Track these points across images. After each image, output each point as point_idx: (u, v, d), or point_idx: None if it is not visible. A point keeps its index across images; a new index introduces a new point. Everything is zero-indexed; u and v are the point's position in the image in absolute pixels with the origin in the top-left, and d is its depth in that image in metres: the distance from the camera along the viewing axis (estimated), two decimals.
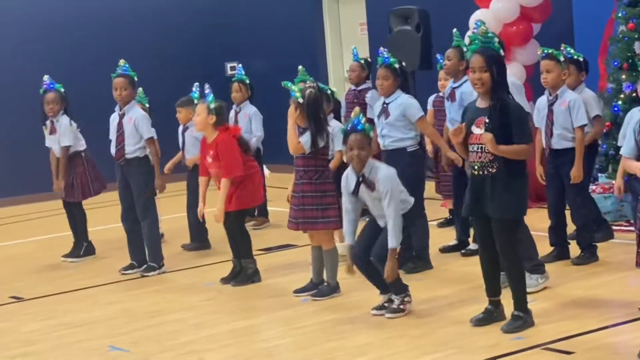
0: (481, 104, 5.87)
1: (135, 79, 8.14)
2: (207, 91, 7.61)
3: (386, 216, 6.20)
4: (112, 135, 8.15)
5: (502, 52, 5.99)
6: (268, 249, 8.75)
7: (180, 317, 6.87)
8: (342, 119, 8.71)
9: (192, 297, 7.37)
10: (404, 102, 7.39)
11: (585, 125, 7.39)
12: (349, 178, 6.40)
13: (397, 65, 7.43)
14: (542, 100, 7.51)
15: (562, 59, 7.39)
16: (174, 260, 8.57)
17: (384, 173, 6.28)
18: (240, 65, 10.07)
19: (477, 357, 5.51)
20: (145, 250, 8.23)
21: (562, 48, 7.68)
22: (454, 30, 7.77)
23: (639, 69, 8.56)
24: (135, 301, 7.44)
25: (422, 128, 7.44)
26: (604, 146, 8.81)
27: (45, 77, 8.83)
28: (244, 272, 7.62)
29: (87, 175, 8.84)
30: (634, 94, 8.23)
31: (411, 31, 10.43)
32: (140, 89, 8.93)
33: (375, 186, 6.25)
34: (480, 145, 5.79)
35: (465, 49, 7.42)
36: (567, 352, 5.48)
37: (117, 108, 8.18)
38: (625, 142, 5.42)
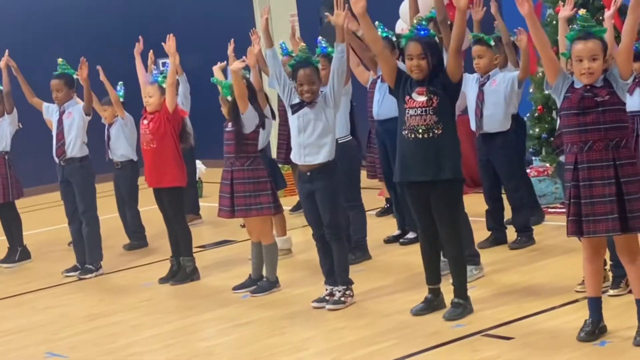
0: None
1: (75, 76, 7.96)
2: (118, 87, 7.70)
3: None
4: (53, 132, 8.03)
5: (436, 38, 6.01)
6: (203, 247, 8.68)
7: (119, 319, 6.78)
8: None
9: (130, 299, 7.28)
10: None
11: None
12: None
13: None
14: (471, 78, 7.52)
15: (492, 43, 7.44)
16: (112, 261, 8.45)
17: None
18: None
19: (419, 346, 5.52)
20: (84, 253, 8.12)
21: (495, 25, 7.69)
22: None
23: None
24: (73, 305, 7.32)
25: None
26: (537, 130, 8.89)
27: None
28: (182, 271, 7.55)
29: (8, 179, 8.65)
30: None
31: None
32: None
33: (317, 101, 6.29)
34: (423, 109, 5.78)
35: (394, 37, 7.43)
36: (507, 337, 5.52)
37: (55, 107, 8.07)
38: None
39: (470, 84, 7.55)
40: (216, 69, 7.44)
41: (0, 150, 8.69)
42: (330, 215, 6.35)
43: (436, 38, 5.99)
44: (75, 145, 7.93)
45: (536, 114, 8.90)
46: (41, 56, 11.40)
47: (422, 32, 5.92)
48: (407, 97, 5.84)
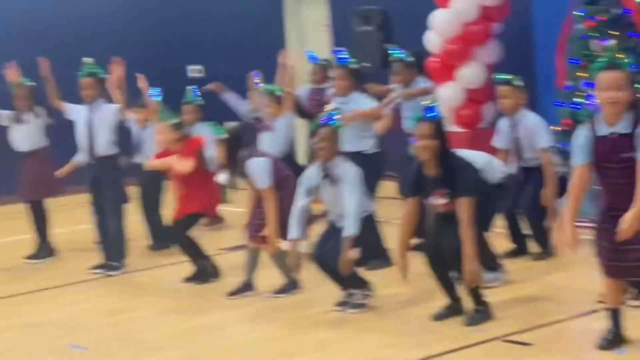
0: (430, 171, 5.90)
1: (103, 76, 8.05)
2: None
3: (346, 205, 6.21)
4: (81, 132, 8.09)
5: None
6: (226, 249, 8.73)
7: (141, 315, 6.84)
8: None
9: (153, 297, 7.34)
10: (361, 103, 7.42)
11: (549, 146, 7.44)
12: (311, 174, 6.41)
13: (355, 66, 7.45)
14: (504, 123, 7.57)
15: (518, 84, 7.45)
16: (136, 260, 8.52)
17: (349, 166, 6.33)
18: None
19: (437, 349, 5.54)
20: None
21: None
22: None
23: None
24: (97, 301, 7.40)
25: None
26: (563, 143, 8.87)
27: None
28: (203, 271, 7.60)
29: (45, 175, 8.77)
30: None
31: (372, 32, 10.47)
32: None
33: (339, 179, 6.26)
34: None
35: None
36: (526, 343, 5.52)
37: (83, 106, 8.13)
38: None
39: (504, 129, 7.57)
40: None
41: (37, 147, 8.80)
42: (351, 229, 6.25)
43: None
44: (105, 143, 8.01)
45: (564, 129, 8.89)
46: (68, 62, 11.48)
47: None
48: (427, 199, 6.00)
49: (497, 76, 7.65)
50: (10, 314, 7.21)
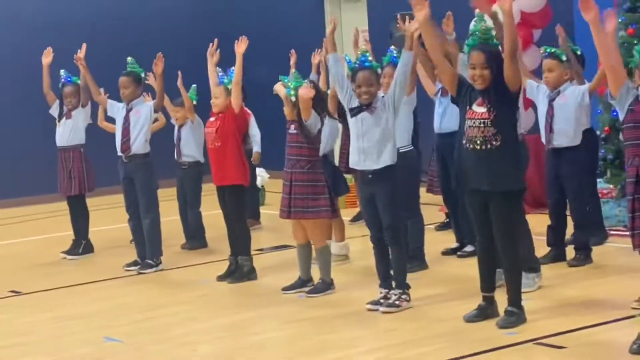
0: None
1: (143, 75, 8.20)
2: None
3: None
4: (117, 129, 8.23)
5: (501, 48, 6.01)
6: (261, 249, 8.78)
7: (174, 311, 6.90)
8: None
9: (187, 293, 7.40)
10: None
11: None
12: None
13: None
14: (542, 93, 7.52)
15: (564, 58, 7.41)
16: (172, 258, 8.60)
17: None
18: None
19: (468, 350, 5.52)
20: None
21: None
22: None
23: None
24: (132, 296, 7.47)
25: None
26: (603, 151, 8.82)
27: (62, 72, 8.96)
28: (240, 270, 7.65)
29: (84, 172, 8.93)
30: None
31: None
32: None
33: (376, 108, 6.35)
34: (482, 120, 5.80)
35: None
36: (559, 346, 5.49)
37: (122, 104, 8.29)
38: None
39: (540, 98, 7.55)
40: (278, 87, 7.43)
41: (76, 143, 8.96)
42: (389, 217, 6.40)
43: (499, 47, 6.01)
44: (139, 141, 8.12)
45: (603, 135, 8.84)
46: (111, 56, 11.61)
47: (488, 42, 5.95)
48: (468, 108, 5.89)
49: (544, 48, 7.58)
50: (47, 307, 7.31)
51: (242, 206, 7.66)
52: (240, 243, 7.65)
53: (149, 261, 8.23)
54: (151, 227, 8.18)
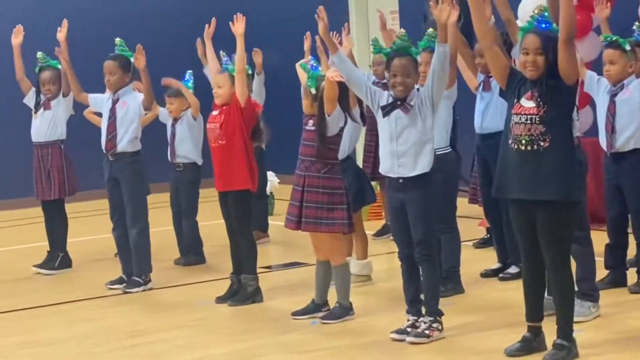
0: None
1: (131, 60, 8.18)
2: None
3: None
4: (103, 124, 8.26)
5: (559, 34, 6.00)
6: (269, 267, 8.83)
7: (165, 337, 6.93)
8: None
9: (181, 317, 7.43)
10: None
11: None
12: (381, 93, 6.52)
13: None
14: (602, 87, 7.52)
15: (628, 47, 7.39)
16: (164, 276, 8.64)
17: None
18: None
19: None
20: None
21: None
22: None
23: None
24: (115, 319, 7.50)
25: None
26: None
27: (39, 54, 8.99)
28: (243, 290, 7.67)
29: (64, 172, 8.99)
30: None
31: None
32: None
33: (412, 106, 6.36)
34: (530, 116, 5.81)
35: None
36: None
37: (106, 95, 8.31)
38: None
39: (600, 94, 7.55)
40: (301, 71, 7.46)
41: (55, 138, 9.01)
42: (422, 231, 6.41)
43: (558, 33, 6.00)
44: (127, 138, 8.14)
45: None
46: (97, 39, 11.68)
47: (543, 25, 5.94)
48: (515, 101, 5.90)
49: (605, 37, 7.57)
50: (17, 330, 7.35)
51: (247, 215, 7.68)
52: (244, 259, 7.67)
53: (137, 278, 8.27)
54: (139, 238, 8.22)
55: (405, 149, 6.40)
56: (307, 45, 8.36)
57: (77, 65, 8.65)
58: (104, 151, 8.23)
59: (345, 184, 7.03)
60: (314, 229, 6.97)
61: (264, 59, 9.88)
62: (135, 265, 8.29)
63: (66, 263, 9.18)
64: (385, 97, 6.49)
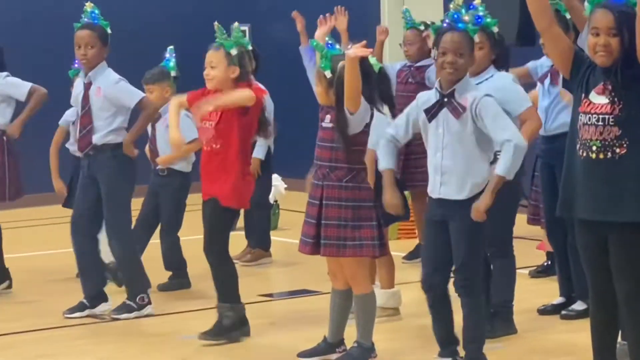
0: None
1: (109, 31, 8.28)
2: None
3: (501, 141, 6.40)
4: (75, 115, 8.51)
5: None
6: (270, 295, 8.95)
7: None
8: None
9: (160, 354, 7.55)
10: (503, 85, 7.42)
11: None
12: (426, 97, 6.62)
13: (495, 29, 7.47)
14: None
15: None
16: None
17: (482, 94, 6.52)
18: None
19: None
20: (101, 283, 8.46)
21: None
22: None
23: None
24: (79, 356, 7.60)
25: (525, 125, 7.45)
26: None
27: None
28: (217, 323, 7.65)
29: (5, 170, 9.12)
30: None
31: None
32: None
33: (465, 109, 6.44)
34: (601, 116, 5.82)
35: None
36: None
37: (81, 74, 8.43)
38: None
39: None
40: (320, 35, 7.51)
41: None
42: (467, 254, 6.51)
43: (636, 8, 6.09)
44: (110, 128, 8.22)
45: None
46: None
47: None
48: (583, 97, 5.93)
49: None
50: None
51: (222, 227, 7.68)
52: (216, 282, 7.70)
53: (129, 302, 8.36)
54: (122, 252, 8.33)
55: (452, 163, 6.50)
56: (299, 26, 8.51)
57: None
58: (78, 152, 8.40)
59: (373, 194, 6.99)
60: (337, 253, 6.95)
61: (268, 36, 9.97)
62: (126, 285, 8.42)
63: (8, 283, 9.24)
64: (428, 97, 6.59)
